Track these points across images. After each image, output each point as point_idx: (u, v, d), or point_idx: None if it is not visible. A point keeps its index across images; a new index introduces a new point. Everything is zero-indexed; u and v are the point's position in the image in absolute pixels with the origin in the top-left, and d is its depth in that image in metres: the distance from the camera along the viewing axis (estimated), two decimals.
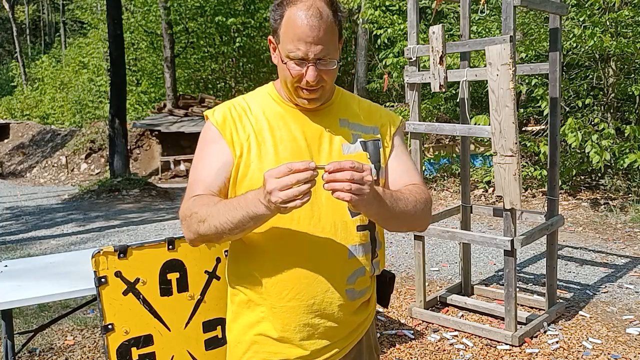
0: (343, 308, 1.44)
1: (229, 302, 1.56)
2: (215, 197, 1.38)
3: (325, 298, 1.42)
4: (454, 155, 10.09)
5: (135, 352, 2.13)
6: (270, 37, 1.43)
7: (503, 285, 3.81)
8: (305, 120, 1.44)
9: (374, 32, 10.08)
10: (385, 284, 1.61)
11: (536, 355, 3.38)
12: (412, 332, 3.76)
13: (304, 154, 1.40)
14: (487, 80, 3.29)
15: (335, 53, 1.38)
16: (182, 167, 16.16)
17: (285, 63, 1.36)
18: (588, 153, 6.73)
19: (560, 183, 6.59)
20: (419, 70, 3.80)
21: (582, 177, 8.51)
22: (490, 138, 3.33)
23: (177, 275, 2.19)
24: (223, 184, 1.41)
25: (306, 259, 1.41)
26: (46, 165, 18.38)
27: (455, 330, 3.75)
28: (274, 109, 1.46)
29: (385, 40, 9.75)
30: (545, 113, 6.41)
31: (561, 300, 4.11)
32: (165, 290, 2.18)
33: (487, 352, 3.44)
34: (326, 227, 1.41)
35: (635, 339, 3.55)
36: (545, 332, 3.66)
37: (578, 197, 7.93)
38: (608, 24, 7.14)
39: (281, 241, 1.41)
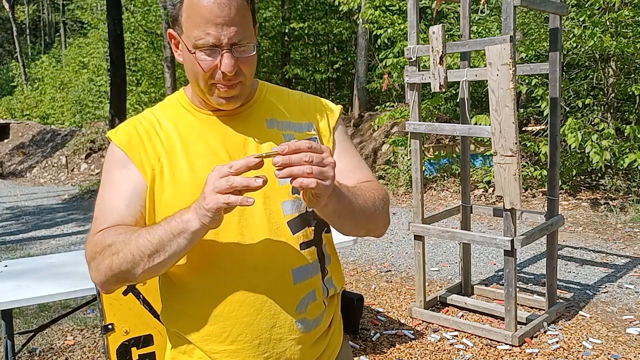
0: (297, 343, 1.22)
1: (166, 346, 1.33)
2: (131, 227, 1.14)
3: (273, 335, 1.19)
4: (454, 155, 10.08)
5: (135, 352, 2.13)
6: (170, 30, 1.19)
7: (503, 285, 3.81)
8: (224, 128, 1.21)
9: (374, 32, 10.07)
10: (350, 308, 1.39)
11: (536, 355, 3.38)
12: (412, 332, 3.77)
13: None
14: (487, 80, 3.29)
15: (252, 37, 1.16)
16: None
17: (194, 54, 1.13)
18: (588, 153, 6.72)
19: (560, 183, 6.59)
20: (419, 70, 3.80)
21: (582, 177, 8.51)
22: (490, 138, 3.33)
23: None
24: (139, 214, 1.18)
25: (243, 292, 1.18)
26: (46, 165, 18.38)
27: (455, 330, 3.75)
28: (186, 120, 1.23)
29: (385, 40, 9.74)
30: (545, 113, 6.41)
31: (561, 300, 4.11)
32: None
33: (487, 352, 3.44)
34: (262, 250, 1.18)
35: (635, 339, 3.55)
36: (545, 332, 3.66)
37: (578, 197, 7.93)
38: (608, 24, 7.13)
39: (211, 273, 1.19)
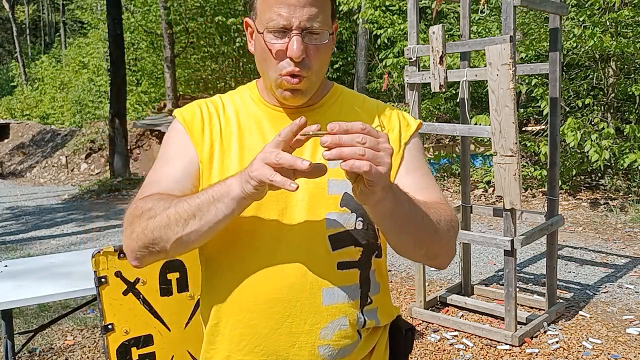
0: None
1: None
2: (176, 196, 1.09)
3: (290, 356, 1.10)
4: (454, 155, 10.09)
5: (135, 352, 2.13)
6: (247, 18, 1.16)
7: (503, 285, 3.81)
8: (285, 124, 1.07)
9: (374, 32, 10.08)
10: (398, 339, 1.24)
11: (536, 355, 3.38)
12: None
13: None
14: (487, 80, 3.29)
15: (328, 26, 1.09)
16: None
17: (263, 37, 1.07)
18: (587, 152, 6.73)
19: (560, 183, 6.59)
20: (419, 70, 3.80)
21: (582, 177, 8.51)
22: (490, 138, 3.33)
23: (177, 275, 2.19)
24: (188, 192, 1.12)
25: (267, 302, 1.10)
26: (46, 165, 18.39)
27: (455, 330, 3.75)
28: (249, 110, 1.19)
29: (385, 40, 9.75)
30: (545, 113, 6.41)
31: (561, 300, 4.12)
32: (165, 290, 2.18)
33: (487, 352, 3.44)
34: (294, 261, 1.09)
35: (635, 339, 3.55)
36: (545, 332, 3.66)
37: (578, 197, 7.93)
38: (608, 24, 7.14)
39: (239, 273, 1.12)
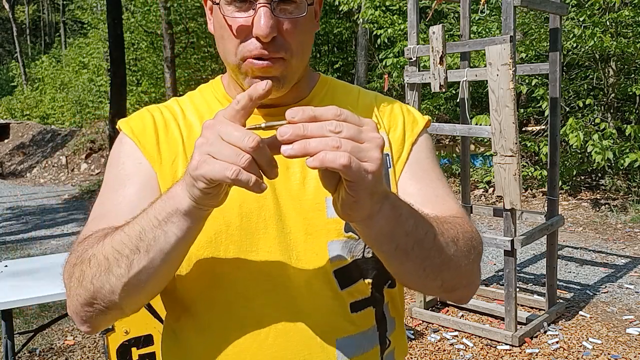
0: None
1: None
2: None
3: None
4: (454, 155, 10.08)
5: (135, 352, 2.13)
6: None
7: (503, 285, 3.81)
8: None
9: (374, 32, 10.07)
10: None
11: (536, 355, 3.38)
12: (412, 332, 3.76)
13: None
14: (487, 80, 3.29)
15: None
16: None
17: (220, 8, 0.82)
18: (589, 153, 6.72)
19: (560, 183, 6.59)
20: (419, 70, 3.80)
21: (583, 177, 8.51)
22: (490, 138, 3.33)
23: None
24: None
25: (270, 356, 0.85)
26: (46, 165, 18.39)
27: (455, 330, 3.75)
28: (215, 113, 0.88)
29: (385, 40, 9.74)
30: (546, 113, 6.41)
31: (561, 301, 4.11)
32: None
33: (487, 352, 3.44)
34: (296, 299, 0.85)
35: (635, 339, 3.55)
36: (545, 332, 3.66)
37: (578, 197, 7.93)
38: (608, 24, 7.13)
39: (229, 337, 0.85)
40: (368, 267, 0.89)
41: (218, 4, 0.82)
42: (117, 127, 0.94)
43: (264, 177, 0.65)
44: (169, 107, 0.96)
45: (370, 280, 0.89)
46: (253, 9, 0.79)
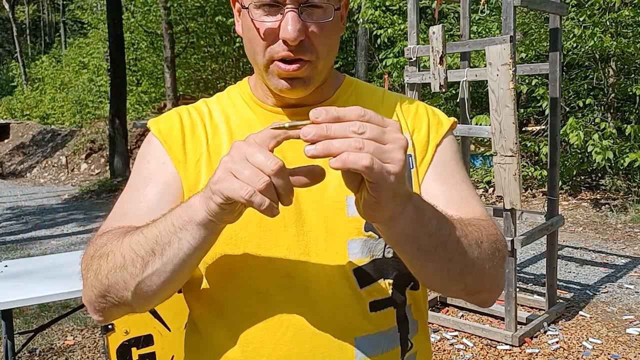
0: None
1: None
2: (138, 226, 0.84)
3: None
4: None
5: (135, 352, 2.13)
6: None
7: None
8: None
9: (374, 32, 10.08)
10: None
11: (536, 355, 3.38)
12: None
13: None
14: (487, 80, 3.29)
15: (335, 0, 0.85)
16: None
17: (250, 12, 0.84)
18: (590, 153, 6.73)
19: (560, 183, 6.59)
20: (419, 70, 3.80)
21: (583, 177, 8.51)
22: (490, 138, 3.33)
23: None
24: None
25: (288, 352, 0.86)
26: (46, 165, 18.39)
27: (455, 330, 3.75)
28: (242, 116, 0.95)
29: (385, 40, 9.75)
30: (546, 113, 6.41)
31: (561, 301, 4.11)
32: None
33: (487, 352, 3.44)
34: (315, 297, 0.86)
35: (635, 339, 3.55)
36: (545, 332, 3.66)
37: (578, 197, 7.93)
38: (608, 24, 7.14)
39: (240, 311, 0.88)
40: (388, 267, 0.89)
41: (247, 8, 0.84)
42: (147, 125, 0.97)
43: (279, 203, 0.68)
44: (197, 107, 0.98)
45: (390, 281, 0.90)
46: (281, 14, 0.81)
